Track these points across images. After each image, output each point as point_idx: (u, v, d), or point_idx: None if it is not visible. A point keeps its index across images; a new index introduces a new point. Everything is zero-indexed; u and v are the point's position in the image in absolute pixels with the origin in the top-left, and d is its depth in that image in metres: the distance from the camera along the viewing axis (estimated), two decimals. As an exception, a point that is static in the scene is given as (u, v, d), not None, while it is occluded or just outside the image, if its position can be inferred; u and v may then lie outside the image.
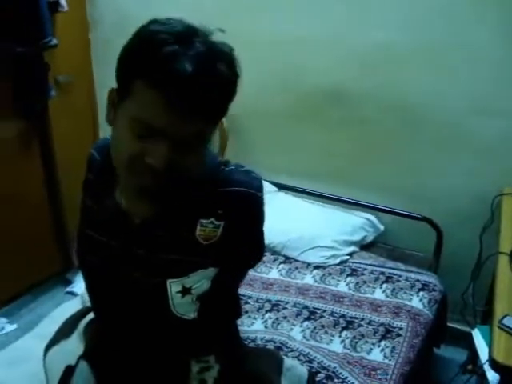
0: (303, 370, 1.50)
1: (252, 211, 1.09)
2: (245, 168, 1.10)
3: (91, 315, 1.36)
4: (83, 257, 1.16)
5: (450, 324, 2.36)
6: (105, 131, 2.92)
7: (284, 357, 1.51)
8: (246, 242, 1.13)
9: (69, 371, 1.24)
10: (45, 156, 2.70)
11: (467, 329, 2.15)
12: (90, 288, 1.22)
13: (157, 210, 1.05)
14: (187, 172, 0.97)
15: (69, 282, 2.90)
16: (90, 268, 1.16)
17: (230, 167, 1.09)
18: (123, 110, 0.93)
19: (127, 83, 0.91)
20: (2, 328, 2.54)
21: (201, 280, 1.07)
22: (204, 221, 1.04)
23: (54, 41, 2.32)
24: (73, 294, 2.77)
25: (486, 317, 2.19)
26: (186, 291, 1.06)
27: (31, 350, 1.61)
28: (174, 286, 1.05)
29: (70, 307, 1.73)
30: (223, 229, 1.05)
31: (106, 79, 2.86)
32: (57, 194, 2.75)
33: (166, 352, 1.17)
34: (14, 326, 2.56)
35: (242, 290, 1.96)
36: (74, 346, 1.30)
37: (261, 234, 1.17)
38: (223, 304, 1.21)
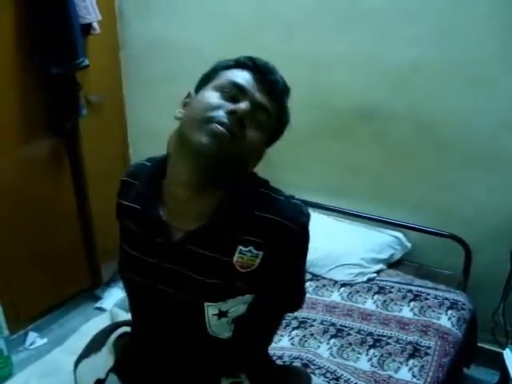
0: None
1: (294, 248, 1.08)
2: (296, 201, 1.11)
3: (121, 330, 1.38)
4: (123, 272, 1.18)
5: (480, 344, 2.31)
6: (134, 149, 3.01)
7: (311, 375, 1.51)
8: (285, 278, 1.12)
9: (99, 384, 1.25)
10: (75, 174, 2.75)
11: (499, 349, 2.11)
12: (130, 301, 1.24)
13: (201, 224, 1.06)
14: (245, 149, 1.04)
15: (98, 298, 2.94)
16: (130, 283, 1.18)
17: (281, 195, 1.10)
18: (209, 86, 1.08)
19: (216, 74, 1.10)
20: (33, 342, 2.58)
21: (237, 305, 1.07)
22: (243, 248, 1.04)
23: (86, 61, 2.39)
24: (101, 309, 2.81)
25: (517, 337, 2.15)
26: (222, 314, 1.06)
27: (61, 363, 1.63)
28: (210, 309, 1.06)
29: (99, 322, 1.76)
30: (262, 259, 1.05)
31: (135, 99, 2.95)
32: (87, 211, 2.80)
33: (197, 368, 1.17)
34: (45, 341, 2.60)
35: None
36: (103, 360, 1.31)
37: (302, 274, 1.19)
38: (258, 331, 1.20)
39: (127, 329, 1.38)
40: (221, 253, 1.05)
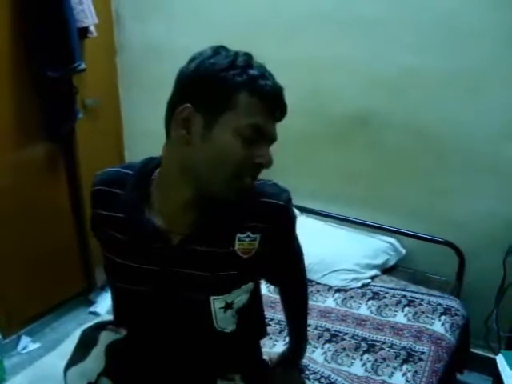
0: None
1: (284, 222, 1.16)
2: (272, 181, 1.17)
3: (109, 335, 1.37)
4: (115, 283, 1.18)
5: (473, 350, 2.32)
6: (130, 153, 3.01)
7: (306, 379, 1.51)
8: (284, 255, 1.24)
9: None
10: (71, 178, 2.75)
11: (491, 355, 2.12)
12: (122, 308, 1.24)
13: (198, 223, 1.08)
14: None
15: (91, 303, 2.93)
16: (125, 292, 1.17)
17: (257, 181, 1.12)
18: (225, 121, 0.99)
19: (226, 96, 0.98)
20: (26, 347, 2.57)
21: (241, 294, 1.14)
22: (241, 235, 1.10)
23: (83, 65, 2.39)
24: (95, 314, 2.80)
25: (510, 343, 2.16)
26: (228, 306, 1.12)
27: (54, 368, 1.62)
28: (217, 303, 1.11)
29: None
30: (260, 241, 1.11)
31: (132, 102, 2.96)
32: (82, 215, 2.79)
33: (194, 368, 1.18)
34: (38, 345, 2.59)
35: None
36: (93, 364, 1.31)
37: (297, 240, 1.30)
38: (256, 317, 1.30)
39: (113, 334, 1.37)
40: (222, 246, 1.10)
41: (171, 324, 1.15)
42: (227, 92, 0.98)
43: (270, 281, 1.45)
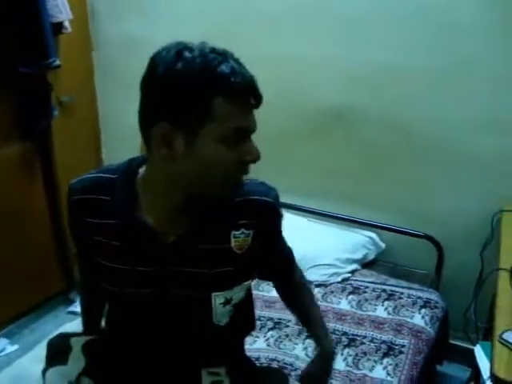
0: None
1: (273, 219, 1.19)
2: (259, 180, 1.19)
3: (76, 339, 1.35)
4: (108, 288, 1.15)
5: (453, 341, 2.36)
6: (107, 150, 2.97)
7: (288, 376, 1.51)
8: (275, 247, 1.27)
9: (71, 388, 1.24)
10: (47, 176, 2.72)
11: (470, 346, 2.14)
12: (115, 311, 1.23)
13: (191, 223, 1.08)
14: None
15: (71, 302, 2.90)
16: (118, 296, 1.16)
17: (246, 180, 1.12)
18: (206, 133, 0.97)
19: (202, 108, 0.95)
20: (3, 349, 2.52)
21: (241, 291, 1.18)
22: (236, 232, 1.12)
23: (58, 61, 2.35)
24: (75, 313, 2.77)
25: (488, 333, 2.18)
26: (227, 302, 1.15)
27: (32, 370, 1.60)
28: (218, 299, 1.13)
29: (72, 327, 1.72)
30: (252, 237, 1.14)
31: (108, 99, 2.92)
32: (59, 213, 2.76)
33: (179, 363, 1.19)
34: (16, 347, 2.55)
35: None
36: (73, 365, 1.30)
37: (284, 238, 1.33)
38: (248, 311, 1.33)
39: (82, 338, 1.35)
40: (218, 243, 1.11)
41: (169, 321, 1.15)
42: (202, 103, 0.95)
43: (266, 278, 1.50)
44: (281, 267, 1.37)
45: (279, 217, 1.22)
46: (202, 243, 1.09)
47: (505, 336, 1.34)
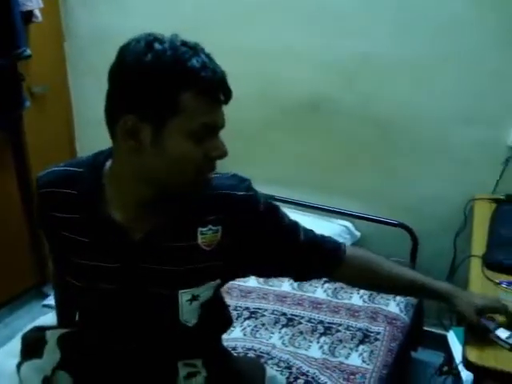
0: (282, 381, 1.55)
1: (247, 212, 1.13)
2: (231, 173, 1.17)
3: (52, 331, 1.34)
4: (74, 283, 1.14)
5: (426, 328, 2.40)
6: (81, 141, 2.94)
7: (265, 365, 1.53)
8: (279, 245, 1.19)
9: (47, 382, 1.22)
10: (19, 168, 2.67)
11: (443, 332, 2.19)
12: (83, 307, 1.20)
13: (158, 219, 1.07)
14: None
15: (45, 295, 2.86)
16: (85, 291, 1.13)
17: (216, 174, 1.11)
18: (174, 127, 0.96)
19: (170, 101, 0.94)
20: (-23, 344, 2.49)
21: (208, 289, 1.14)
22: (203, 229, 1.09)
23: (28, 51, 2.31)
24: (50, 307, 2.73)
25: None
26: (194, 298, 1.12)
27: (6, 365, 1.57)
28: (184, 296, 1.10)
29: (47, 320, 1.70)
30: (222, 232, 1.11)
31: (81, 90, 2.88)
32: (31, 206, 2.72)
33: (155, 356, 1.18)
34: (-11, 342, 2.51)
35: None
36: (48, 358, 1.28)
37: (290, 222, 1.23)
38: (218, 312, 1.28)
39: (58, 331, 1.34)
40: (185, 240, 1.09)
41: (137, 318, 1.13)
42: (170, 97, 0.94)
43: (307, 276, 1.32)
44: (315, 254, 1.23)
45: (255, 208, 1.14)
46: (169, 240, 1.08)
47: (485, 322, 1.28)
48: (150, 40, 0.96)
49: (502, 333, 1.27)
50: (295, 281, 1.39)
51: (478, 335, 1.28)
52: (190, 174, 1.01)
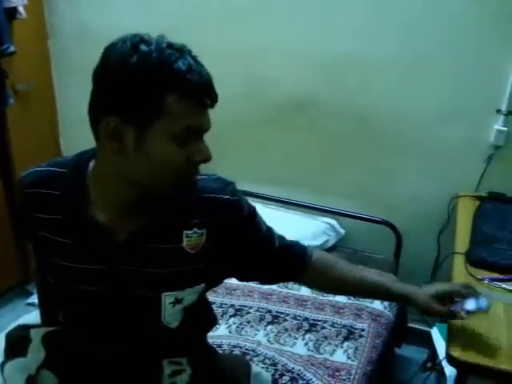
0: (268, 377, 1.54)
1: (232, 216, 1.14)
2: (216, 175, 1.16)
3: (37, 330, 1.33)
4: (58, 285, 1.13)
5: (410, 324, 2.41)
6: (65, 139, 2.92)
7: (250, 363, 1.53)
8: (255, 244, 1.21)
9: (31, 381, 1.22)
10: (3, 165, 2.65)
11: (427, 328, 2.21)
12: (67, 308, 1.19)
13: (142, 221, 1.06)
14: None
15: (29, 294, 2.84)
16: (69, 293, 1.13)
17: (201, 176, 1.10)
18: (157, 129, 0.95)
19: (155, 104, 0.93)
20: (-40, 343, 2.46)
21: (193, 293, 1.14)
22: (188, 232, 1.09)
23: (12, 48, 2.29)
24: (34, 305, 2.72)
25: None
26: (177, 301, 1.11)
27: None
28: (167, 298, 1.10)
29: (31, 318, 1.69)
30: (206, 235, 1.11)
31: (66, 87, 2.86)
32: (15, 204, 2.69)
33: (139, 355, 1.17)
34: (-28, 341, 2.48)
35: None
36: (33, 357, 1.27)
37: (267, 227, 1.27)
38: (202, 314, 1.27)
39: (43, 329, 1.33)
40: (170, 243, 1.08)
41: (120, 319, 1.13)
42: (155, 99, 0.93)
43: (278, 279, 1.38)
44: (285, 260, 1.27)
45: (240, 213, 1.17)
46: (154, 242, 1.07)
47: (454, 307, 1.23)
48: (136, 41, 0.95)
49: (469, 305, 1.22)
50: (262, 284, 1.44)
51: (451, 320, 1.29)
52: (170, 177, 1.00)
